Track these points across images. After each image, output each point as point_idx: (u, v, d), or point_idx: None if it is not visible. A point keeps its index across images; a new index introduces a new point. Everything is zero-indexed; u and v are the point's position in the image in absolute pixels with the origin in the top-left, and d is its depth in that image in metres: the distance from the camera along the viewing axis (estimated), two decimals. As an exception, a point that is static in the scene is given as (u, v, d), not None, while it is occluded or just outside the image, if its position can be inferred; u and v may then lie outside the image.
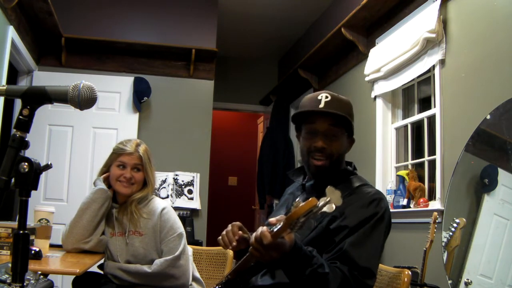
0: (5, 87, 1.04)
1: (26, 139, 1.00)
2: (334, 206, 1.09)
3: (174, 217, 2.18)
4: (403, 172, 3.31)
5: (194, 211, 4.50)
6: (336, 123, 1.54)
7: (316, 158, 1.54)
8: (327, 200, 1.09)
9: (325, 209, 1.09)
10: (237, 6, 5.07)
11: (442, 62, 2.89)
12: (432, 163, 3.05)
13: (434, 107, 3.03)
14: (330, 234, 1.44)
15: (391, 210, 3.27)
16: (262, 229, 1.20)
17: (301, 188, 1.69)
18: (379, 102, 3.69)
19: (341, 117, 1.52)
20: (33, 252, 1.86)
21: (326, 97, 1.53)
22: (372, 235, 1.44)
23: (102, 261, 2.19)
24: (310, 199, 1.07)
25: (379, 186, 3.56)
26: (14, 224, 1.95)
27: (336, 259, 1.39)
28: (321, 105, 1.52)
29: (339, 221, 1.44)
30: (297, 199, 1.13)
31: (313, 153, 1.54)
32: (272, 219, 1.23)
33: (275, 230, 1.15)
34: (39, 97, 1.02)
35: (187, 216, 4.39)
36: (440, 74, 2.90)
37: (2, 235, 1.89)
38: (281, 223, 1.13)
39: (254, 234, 1.23)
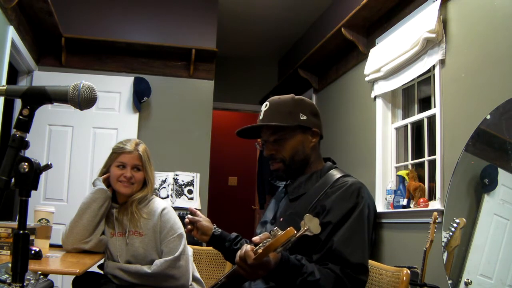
0: (5, 87, 1.04)
1: (26, 139, 1.00)
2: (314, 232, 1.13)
3: (174, 217, 2.18)
4: (403, 172, 3.31)
5: (194, 211, 4.50)
6: (277, 128, 1.57)
7: (272, 164, 1.61)
8: (305, 229, 1.12)
9: (306, 233, 1.13)
10: (237, 6, 5.07)
11: (442, 62, 2.89)
12: (432, 163, 3.04)
13: (434, 107, 3.03)
14: None
15: (391, 210, 3.30)
16: (246, 248, 1.20)
17: (285, 190, 1.68)
18: (379, 102, 3.69)
19: (274, 123, 1.57)
20: (33, 252, 1.86)
21: (266, 105, 1.62)
22: (358, 227, 1.43)
23: (102, 261, 2.20)
24: (288, 229, 1.09)
25: (379, 186, 3.56)
26: (14, 224, 1.95)
27: (326, 259, 1.38)
28: (261, 117, 1.61)
29: (322, 217, 1.43)
30: (275, 228, 1.14)
31: (270, 160, 1.62)
32: (256, 238, 1.24)
33: (259, 251, 1.15)
34: (39, 97, 1.02)
35: (187, 216, 4.39)
36: (440, 74, 2.90)
37: (2, 235, 1.89)
38: (262, 248, 1.14)
39: (238, 253, 1.23)
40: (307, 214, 1.14)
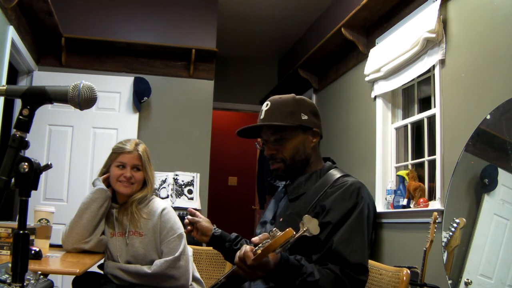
0: (5, 87, 1.04)
1: (26, 139, 1.00)
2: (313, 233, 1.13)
3: (174, 217, 2.18)
4: (403, 172, 3.31)
5: (194, 211, 4.50)
6: (278, 128, 1.57)
7: (272, 163, 1.61)
8: (304, 229, 1.12)
9: (305, 234, 1.13)
10: (237, 6, 5.07)
11: (442, 62, 2.89)
12: (432, 163, 3.05)
13: (434, 107, 3.03)
14: None
15: (391, 210, 3.30)
16: (245, 248, 1.20)
17: (284, 190, 1.69)
18: (379, 102, 3.69)
19: (275, 123, 1.57)
20: (33, 252, 1.86)
21: (267, 105, 1.61)
22: (358, 227, 1.42)
23: (102, 261, 2.20)
24: (287, 230, 1.09)
25: (379, 186, 3.56)
26: (14, 224, 1.95)
27: (326, 259, 1.37)
28: (262, 116, 1.61)
29: (321, 217, 1.43)
30: (274, 229, 1.14)
31: (269, 160, 1.61)
32: (255, 239, 1.24)
33: (258, 252, 1.15)
34: (39, 97, 1.02)
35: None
36: (440, 74, 2.90)
37: (2, 235, 1.89)
38: (261, 249, 1.14)
39: (237, 253, 1.23)
40: (306, 215, 1.14)
